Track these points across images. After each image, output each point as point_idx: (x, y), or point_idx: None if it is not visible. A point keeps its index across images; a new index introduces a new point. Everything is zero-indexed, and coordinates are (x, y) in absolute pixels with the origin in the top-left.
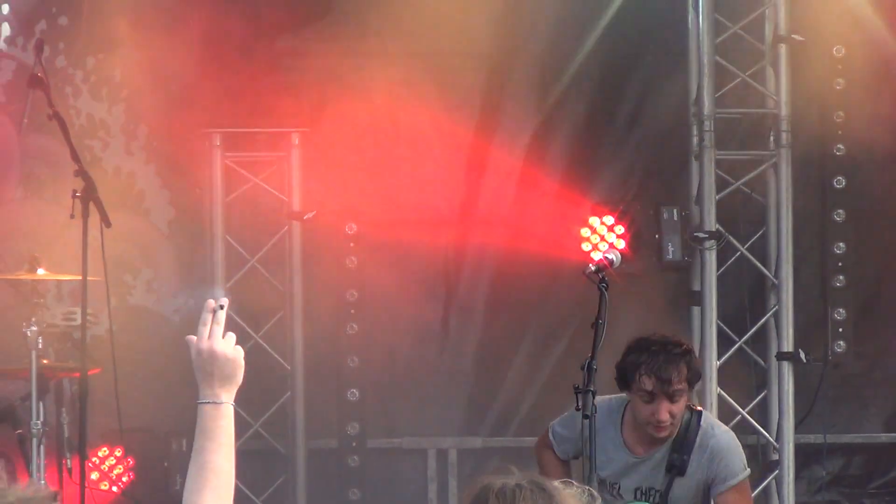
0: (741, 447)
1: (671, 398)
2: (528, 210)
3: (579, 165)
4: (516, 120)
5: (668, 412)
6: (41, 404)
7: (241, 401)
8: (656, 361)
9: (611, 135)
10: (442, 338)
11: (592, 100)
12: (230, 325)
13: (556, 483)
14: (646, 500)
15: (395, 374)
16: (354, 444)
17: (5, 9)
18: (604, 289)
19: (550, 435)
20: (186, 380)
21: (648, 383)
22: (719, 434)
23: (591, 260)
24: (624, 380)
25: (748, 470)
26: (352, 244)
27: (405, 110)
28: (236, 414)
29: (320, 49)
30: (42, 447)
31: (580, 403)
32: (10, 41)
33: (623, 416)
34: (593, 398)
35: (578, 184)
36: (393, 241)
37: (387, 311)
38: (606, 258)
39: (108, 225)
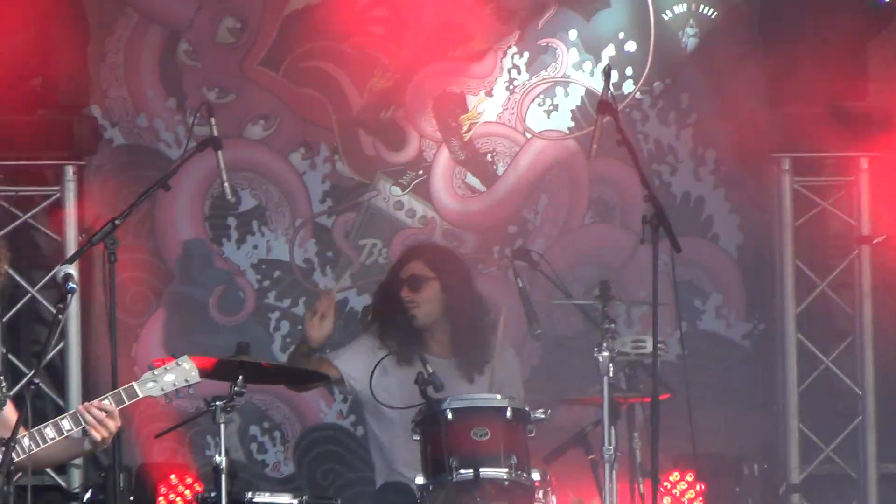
0: None
1: None
2: None
3: None
4: None
5: None
6: (613, 430)
7: (811, 425)
8: None
9: None
10: None
11: None
12: (801, 349)
13: None
14: None
15: None
16: None
17: (573, 34)
18: None
19: None
20: (755, 403)
21: None
22: None
23: None
24: None
25: None
26: None
27: None
28: (808, 438)
29: None
30: (614, 472)
31: None
32: (578, 66)
33: None
34: None
35: None
36: None
37: None
38: None
39: (679, 250)
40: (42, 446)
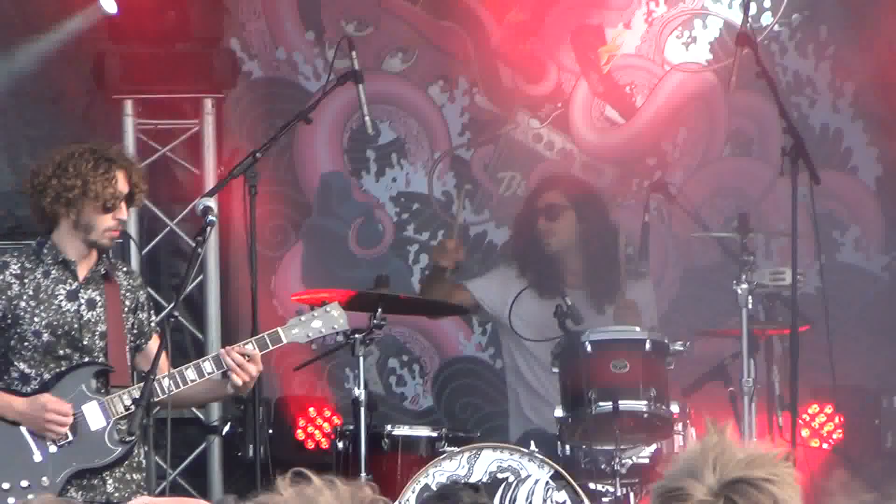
0: None
1: None
2: None
3: None
4: None
5: None
6: (752, 362)
7: None
8: None
9: None
10: None
11: None
12: None
13: None
14: None
15: None
16: None
17: None
18: None
19: None
20: (895, 335)
21: None
22: None
23: None
24: None
25: None
26: None
27: None
28: None
29: None
30: (753, 405)
31: None
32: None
33: None
34: None
35: None
36: None
37: None
38: None
39: (818, 182)
40: (182, 387)
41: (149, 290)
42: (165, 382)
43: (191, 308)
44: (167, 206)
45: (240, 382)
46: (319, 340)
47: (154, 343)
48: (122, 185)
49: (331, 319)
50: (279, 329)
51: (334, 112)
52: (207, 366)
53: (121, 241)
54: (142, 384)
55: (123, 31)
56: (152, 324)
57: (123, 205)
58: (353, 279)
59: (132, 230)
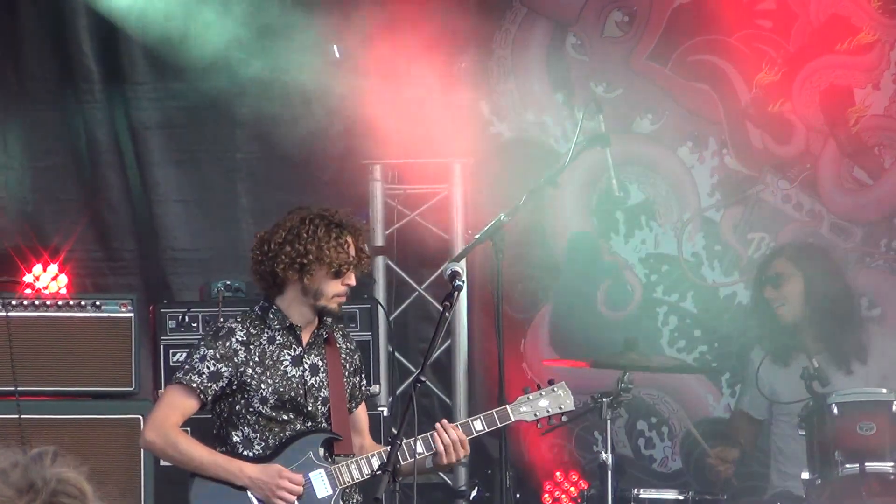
0: None
1: None
2: None
3: None
4: None
5: None
6: None
7: None
8: None
9: None
10: None
11: None
12: None
13: None
14: None
15: None
16: None
17: None
18: None
19: None
20: None
21: None
22: None
23: None
24: None
25: None
26: None
27: None
28: None
29: None
30: None
31: None
32: None
33: None
34: None
35: None
36: None
37: None
38: None
39: None
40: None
41: (396, 354)
42: (418, 447)
43: (439, 373)
44: (415, 270)
45: (444, 462)
46: (545, 420)
47: (362, 409)
48: (353, 251)
49: (558, 399)
50: (507, 406)
51: (583, 173)
52: (477, 424)
53: (368, 306)
54: (373, 453)
55: (373, 97)
56: (363, 388)
57: (352, 271)
58: (602, 341)
59: (380, 295)
